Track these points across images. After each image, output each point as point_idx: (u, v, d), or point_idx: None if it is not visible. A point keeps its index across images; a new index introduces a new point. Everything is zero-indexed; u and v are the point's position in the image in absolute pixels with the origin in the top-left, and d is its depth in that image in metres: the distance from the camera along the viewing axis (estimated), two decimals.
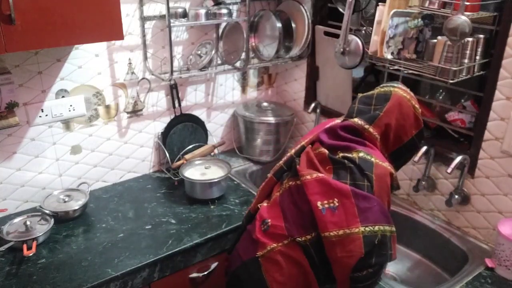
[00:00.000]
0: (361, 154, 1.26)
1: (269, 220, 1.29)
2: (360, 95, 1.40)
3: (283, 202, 1.31)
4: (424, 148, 1.68)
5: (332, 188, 1.21)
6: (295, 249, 1.23)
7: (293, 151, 1.41)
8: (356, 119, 1.31)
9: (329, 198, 1.20)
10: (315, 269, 1.22)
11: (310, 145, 1.38)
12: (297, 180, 1.29)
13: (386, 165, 1.27)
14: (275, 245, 1.25)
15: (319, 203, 1.20)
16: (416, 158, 1.67)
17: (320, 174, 1.24)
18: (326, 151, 1.30)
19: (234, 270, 1.35)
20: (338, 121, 1.40)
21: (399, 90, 1.35)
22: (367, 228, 1.16)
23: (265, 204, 1.37)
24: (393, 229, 1.22)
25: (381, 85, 1.41)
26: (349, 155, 1.27)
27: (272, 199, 1.36)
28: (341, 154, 1.28)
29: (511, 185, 1.54)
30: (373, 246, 1.16)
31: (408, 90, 1.38)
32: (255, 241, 1.30)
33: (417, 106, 1.36)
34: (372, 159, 1.25)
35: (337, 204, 1.19)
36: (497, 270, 1.49)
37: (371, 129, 1.30)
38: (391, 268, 1.78)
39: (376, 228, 1.17)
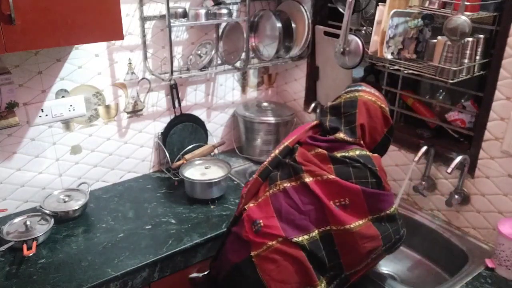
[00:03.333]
0: (357, 152, 1.32)
1: (261, 221, 1.29)
2: (329, 104, 1.45)
3: (277, 202, 1.31)
4: (424, 148, 1.68)
5: (343, 188, 1.27)
6: (291, 245, 1.24)
7: (277, 151, 1.42)
8: (341, 135, 1.36)
9: (340, 198, 1.27)
10: (313, 263, 1.24)
11: (297, 145, 1.41)
12: (298, 180, 1.31)
13: (376, 155, 1.36)
14: (271, 243, 1.25)
15: (331, 202, 1.26)
16: (416, 158, 1.67)
17: (330, 176, 1.28)
18: (325, 151, 1.33)
19: (226, 275, 1.34)
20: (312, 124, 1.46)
21: (364, 94, 1.40)
22: (374, 216, 1.28)
23: (251, 205, 1.36)
24: (394, 207, 1.33)
25: (346, 90, 1.45)
26: (347, 153, 1.32)
27: (261, 199, 1.35)
28: (339, 154, 1.32)
29: (511, 185, 1.54)
30: (382, 226, 1.29)
31: (372, 90, 1.43)
32: (246, 242, 1.29)
33: (383, 105, 1.41)
34: (368, 153, 1.34)
35: (348, 202, 1.26)
36: (497, 270, 1.49)
37: (357, 140, 1.37)
38: (391, 268, 1.78)
39: (382, 213, 1.29)
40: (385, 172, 1.37)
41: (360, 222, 1.26)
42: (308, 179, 1.30)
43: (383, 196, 1.30)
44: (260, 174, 1.41)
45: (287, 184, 1.33)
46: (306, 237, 1.24)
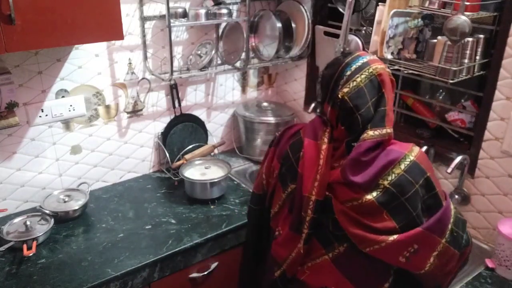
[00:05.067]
0: (402, 166, 1.08)
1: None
2: (343, 95, 1.12)
3: (343, 266, 1.16)
4: (424, 148, 1.68)
5: (408, 241, 1.08)
6: None
7: (309, 211, 1.15)
8: (371, 132, 1.10)
9: (408, 247, 1.09)
10: None
11: (329, 195, 1.14)
12: (373, 246, 1.10)
13: (415, 146, 1.14)
14: None
15: (400, 258, 1.10)
16: None
17: (395, 236, 1.07)
18: (372, 198, 1.08)
19: None
20: (322, 139, 1.16)
21: (378, 64, 1.14)
22: (447, 237, 1.11)
23: (306, 271, 1.21)
24: (456, 211, 1.17)
25: (351, 65, 1.14)
26: (390, 177, 1.08)
27: (318, 263, 1.19)
28: (384, 183, 1.08)
29: (511, 185, 1.54)
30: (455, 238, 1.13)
31: (375, 56, 1.21)
32: None
33: (388, 69, 1.18)
34: (412, 157, 1.10)
35: (416, 247, 1.09)
36: (497, 270, 1.49)
37: (388, 130, 1.12)
38: None
39: (449, 227, 1.12)
40: (430, 164, 1.15)
41: (434, 255, 1.10)
42: (366, 250, 1.10)
43: (444, 215, 1.11)
44: (296, 229, 1.20)
45: (342, 248, 1.16)
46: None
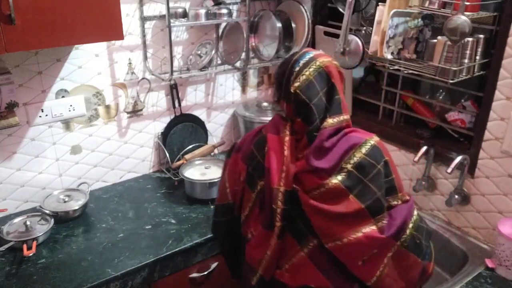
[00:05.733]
0: (363, 150, 1.13)
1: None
2: (295, 89, 1.16)
3: (318, 262, 1.18)
4: (424, 148, 1.68)
5: (370, 245, 1.11)
6: None
7: (279, 202, 1.16)
8: (330, 120, 1.15)
9: (369, 251, 1.13)
10: None
11: (296, 187, 1.16)
12: (335, 241, 1.13)
13: (375, 135, 1.19)
14: None
15: (359, 261, 1.13)
16: (416, 158, 1.67)
17: (359, 235, 1.10)
18: (337, 182, 1.11)
19: None
20: (284, 132, 1.19)
21: (324, 58, 1.19)
22: (403, 240, 1.13)
23: (285, 273, 1.21)
24: (418, 218, 1.18)
25: (299, 61, 1.18)
26: (352, 160, 1.12)
27: (295, 263, 1.20)
28: (348, 166, 1.11)
29: (511, 185, 1.54)
30: (416, 245, 1.16)
31: (321, 51, 1.24)
32: None
33: (336, 62, 1.22)
34: (372, 142, 1.15)
35: (376, 251, 1.13)
36: (497, 270, 1.49)
37: (345, 116, 1.19)
38: None
39: (408, 232, 1.14)
40: (389, 152, 1.19)
41: (389, 255, 1.12)
42: (329, 244, 1.13)
43: (407, 214, 1.14)
44: (268, 225, 1.20)
45: (315, 241, 1.17)
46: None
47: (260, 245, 1.22)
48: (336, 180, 1.11)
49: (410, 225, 1.14)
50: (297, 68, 1.17)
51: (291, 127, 1.20)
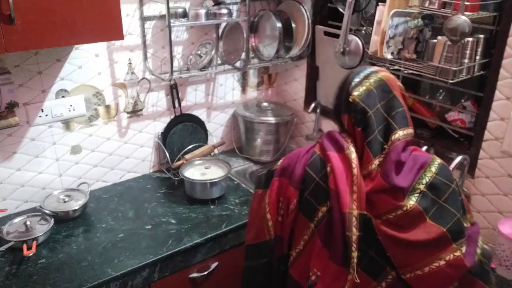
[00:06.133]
0: (433, 169, 1.05)
1: None
2: (354, 98, 1.10)
3: None
4: (424, 148, 1.68)
5: (454, 275, 1.02)
6: None
7: (354, 230, 1.02)
8: (400, 132, 1.07)
9: (453, 282, 1.04)
10: None
11: (367, 215, 1.04)
12: (414, 272, 1.03)
13: (434, 155, 1.12)
14: None
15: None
16: None
17: (441, 263, 1.01)
18: (415, 203, 1.01)
19: None
20: (349, 148, 1.09)
21: (386, 72, 1.17)
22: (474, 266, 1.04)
23: None
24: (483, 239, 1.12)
25: (359, 74, 1.14)
26: (424, 180, 1.04)
27: None
28: (420, 187, 1.03)
29: (511, 185, 1.54)
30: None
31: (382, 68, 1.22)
32: None
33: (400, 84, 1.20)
34: (439, 161, 1.09)
35: (456, 285, 1.05)
36: (497, 270, 1.49)
37: (411, 130, 1.12)
38: None
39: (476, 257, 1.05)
40: None
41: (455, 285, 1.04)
42: (407, 275, 1.03)
43: (477, 238, 1.06)
44: (341, 258, 1.06)
45: (393, 274, 1.06)
46: None
47: (332, 286, 1.06)
48: (413, 201, 1.01)
49: (478, 250, 1.05)
50: (357, 79, 1.13)
51: (354, 142, 1.11)
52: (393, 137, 1.06)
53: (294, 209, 1.13)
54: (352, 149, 1.08)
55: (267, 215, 1.17)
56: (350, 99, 1.11)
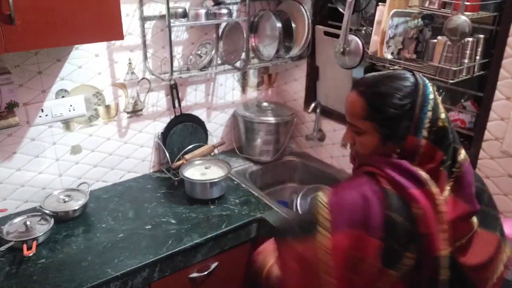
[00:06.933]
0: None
1: None
2: (445, 124, 0.98)
3: None
4: None
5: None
6: None
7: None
8: (463, 151, 1.01)
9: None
10: None
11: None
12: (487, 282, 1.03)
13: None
14: None
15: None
16: None
17: (508, 253, 1.05)
18: (476, 221, 1.01)
19: None
20: (430, 182, 0.96)
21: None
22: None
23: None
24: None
25: (427, 85, 1.00)
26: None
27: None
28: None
29: (511, 185, 1.53)
30: None
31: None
32: None
33: None
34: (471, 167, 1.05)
35: None
36: None
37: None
38: None
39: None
40: None
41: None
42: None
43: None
44: None
45: None
46: None
47: None
48: (475, 218, 0.99)
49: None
50: (431, 96, 0.98)
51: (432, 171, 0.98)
52: (459, 158, 0.98)
53: (373, 263, 0.94)
54: (431, 182, 0.95)
55: (332, 281, 0.96)
56: (439, 124, 0.97)
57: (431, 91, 0.98)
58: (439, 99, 1.00)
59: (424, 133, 0.97)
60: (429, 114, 0.96)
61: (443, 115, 0.98)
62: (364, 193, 0.96)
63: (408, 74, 1.01)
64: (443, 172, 0.97)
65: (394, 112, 0.97)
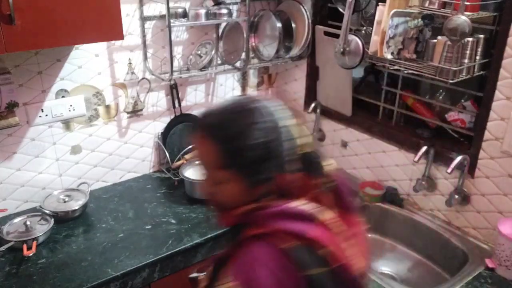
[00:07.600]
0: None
1: None
2: (287, 120, 0.90)
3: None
4: (424, 148, 1.68)
5: None
6: None
7: None
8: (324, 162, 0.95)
9: None
10: None
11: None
12: None
13: None
14: None
15: None
16: (416, 158, 1.68)
17: None
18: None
19: None
20: (319, 211, 0.87)
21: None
22: None
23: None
24: None
25: (281, 118, 0.89)
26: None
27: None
28: None
29: (511, 185, 1.53)
30: None
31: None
32: None
33: None
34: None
35: None
36: (497, 270, 1.49)
37: None
38: (391, 268, 1.78)
39: None
40: None
41: None
42: None
43: None
44: None
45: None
46: None
47: None
48: None
49: None
50: (282, 122, 0.88)
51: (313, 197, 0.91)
52: (327, 170, 0.96)
53: None
54: (320, 209, 0.88)
55: None
56: (299, 152, 0.88)
57: (280, 117, 0.88)
58: (291, 121, 0.89)
59: (290, 167, 0.87)
60: (286, 144, 0.86)
61: (299, 141, 0.88)
62: (271, 269, 0.81)
63: (253, 103, 0.89)
64: (323, 192, 0.90)
65: (254, 154, 0.85)
